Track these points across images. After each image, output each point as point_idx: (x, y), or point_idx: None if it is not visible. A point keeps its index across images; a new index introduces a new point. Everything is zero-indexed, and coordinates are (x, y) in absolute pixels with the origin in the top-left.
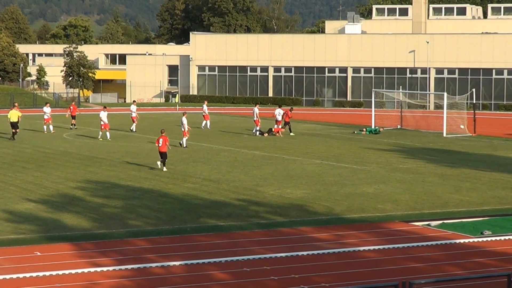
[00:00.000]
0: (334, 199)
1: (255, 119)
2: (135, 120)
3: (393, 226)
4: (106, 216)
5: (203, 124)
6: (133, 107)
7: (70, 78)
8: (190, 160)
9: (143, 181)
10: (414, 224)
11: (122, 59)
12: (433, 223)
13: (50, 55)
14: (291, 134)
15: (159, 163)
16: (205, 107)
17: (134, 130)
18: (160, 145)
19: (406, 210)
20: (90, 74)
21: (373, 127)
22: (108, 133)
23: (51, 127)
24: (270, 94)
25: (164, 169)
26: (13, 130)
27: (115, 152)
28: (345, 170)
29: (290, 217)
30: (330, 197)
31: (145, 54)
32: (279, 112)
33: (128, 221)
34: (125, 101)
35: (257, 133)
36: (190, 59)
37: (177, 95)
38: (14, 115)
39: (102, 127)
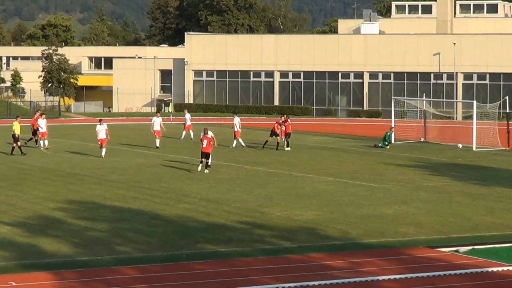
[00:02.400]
0: (349, 222)
1: (236, 130)
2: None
3: (416, 252)
4: (90, 241)
5: (182, 135)
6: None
7: (49, 85)
8: (186, 177)
9: (132, 201)
10: (440, 250)
11: (108, 63)
12: (462, 249)
13: (27, 58)
14: (287, 149)
15: (200, 166)
16: (187, 116)
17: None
18: (204, 145)
19: (431, 234)
20: (71, 80)
21: (393, 140)
22: (104, 150)
23: (46, 142)
24: (276, 102)
25: (206, 171)
26: (14, 145)
27: (100, 168)
28: (361, 189)
29: (299, 242)
30: (344, 220)
31: (134, 57)
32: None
33: (116, 246)
34: (110, 111)
35: (238, 144)
36: (185, 63)
37: (170, 103)
38: (18, 127)
39: (99, 142)
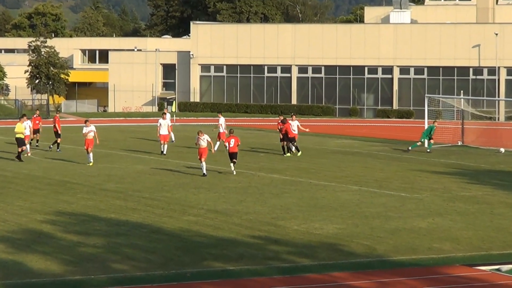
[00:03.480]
0: (376, 236)
1: (221, 131)
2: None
3: (452, 271)
4: (83, 258)
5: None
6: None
7: (37, 81)
8: (191, 185)
9: (131, 212)
10: (480, 269)
11: (104, 56)
12: (504, 267)
13: (11, 51)
14: (287, 154)
15: (233, 167)
16: (168, 116)
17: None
18: (231, 145)
19: (470, 251)
20: (62, 76)
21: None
22: (91, 155)
23: (28, 146)
24: (294, 101)
25: (234, 172)
26: (20, 149)
27: (94, 176)
28: (390, 199)
29: (319, 260)
30: (371, 234)
31: (133, 50)
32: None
33: (111, 264)
34: (105, 110)
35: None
36: (191, 56)
37: (174, 102)
38: (22, 129)
39: (85, 147)
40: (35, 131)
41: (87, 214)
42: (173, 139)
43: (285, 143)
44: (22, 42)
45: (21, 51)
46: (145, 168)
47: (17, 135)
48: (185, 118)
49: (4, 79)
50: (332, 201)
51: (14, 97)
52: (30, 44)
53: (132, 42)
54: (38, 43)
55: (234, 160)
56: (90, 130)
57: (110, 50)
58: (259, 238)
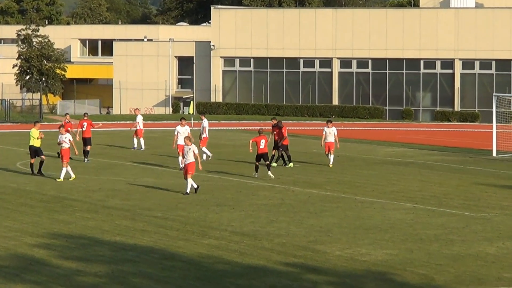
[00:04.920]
0: (435, 264)
1: (204, 136)
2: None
3: None
4: None
5: (135, 144)
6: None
7: (27, 77)
8: (212, 202)
9: (139, 235)
10: None
11: (107, 47)
12: None
13: None
14: (290, 165)
15: (255, 173)
16: (139, 118)
17: (143, 148)
18: (262, 146)
19: None
20: (57, 71)
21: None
22: (65, 170)
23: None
24: (335, 101)
25: (271, 175)
26: (32, 160)
27: (95, 191)
28: (451, 219)
29: None
30: (427, 261)
31: (143, 40)
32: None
33: None
34: (109, 112)
35: (206, 157)
36: (212, 47)
37: (191, 103)
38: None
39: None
40: (84, 141)
41: (87, 236)
42: (142, 146)
43: (276, 151)
44: (9, 31)
45: (8, 41)
46: (156, 182)
47: (33, 143)
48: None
49: None
50: (381, 222)
51: (0, 97)
52: (19, 32)
53: (141, 30)
54: (29, 31)
55: (268, 162)
56: (65, 139)
57: (115, 40)
58: (293, 265)
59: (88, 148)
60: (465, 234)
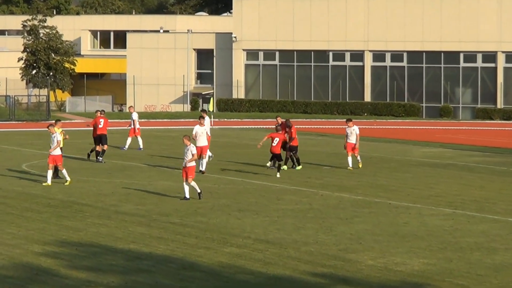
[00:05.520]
0: (476, 275)
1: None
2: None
3: None
4: None
5: (127, 143)
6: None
7: (34, 72)
8: (234, 207)
9: (155, 242)
10: None
11: (120, 39)
12: None
13: (1, 33)
14: (298, 168)
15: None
16: (135, 116)
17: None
18: (274, 144)
19: None
20: (67, 65)
21: None
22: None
23: None
24: (367, 97)
25: (278, 175)
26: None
27: (108, 195)
28: (493, 226)
29: None
30: (468, 271)
31: (159, 32)
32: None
33: None
34: (122, 110)
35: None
36: (234, 39)
37: (211, 99)
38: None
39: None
40: (100, 139)
41: (98, 244)
42: (141, 146)
43: (288, 153)
44: (14, 21)
45: (13, 33)
46: (173, 185)
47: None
48: (225, 119)
49: None
50: (417, 228)
51: (4, 93)
52: (25, 23)
53: (157, 21)
54: (36, 22)
55: (280, 163)
56: (54, 138)
57: (128, 31)
58: (322, 276)
59: (105, 147)
60: (508, 242)
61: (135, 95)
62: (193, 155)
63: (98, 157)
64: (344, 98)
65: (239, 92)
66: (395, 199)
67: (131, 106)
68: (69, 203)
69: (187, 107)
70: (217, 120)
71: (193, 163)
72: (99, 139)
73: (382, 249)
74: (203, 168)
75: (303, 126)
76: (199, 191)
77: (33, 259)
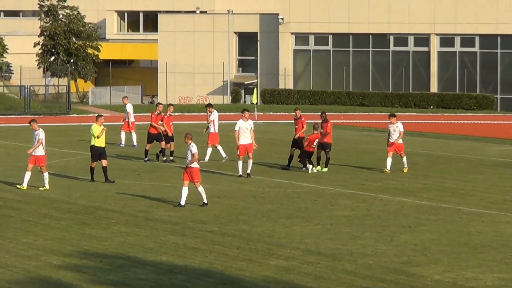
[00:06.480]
0: None
1: (212, 131)
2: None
3: None
4: None
5: (122, 140)
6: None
7: (53, 58)
8: (281, 213)
9: (190, 254)
10: None
11: (151, 21)
12: None
13: (14, 14)
14: (316, 169)
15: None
16: (129, 107)
17: (135, 144)
18: (314, 145)
19: None
20: (90, 51)
21: None
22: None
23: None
24: (434, 88)
25: (310, 170)
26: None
27: (136, 199)
28: None
29: None
30: None
31: (195, 12)
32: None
33: None
34: (153, 102)
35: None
36: (281, 21)
37: (255, 90)
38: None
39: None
40: (168, 138)
41: (126, 256)
42: (135, 142)
43: (320, 151)
44: (30, 1)
45: (28, 14)
46: (212, 189)
47: (95, 143)
48: (270, 113)
49: (4, 55)
50: (491, 238)
51: (19, 83)
52: (42, 3)
53: (192, 0)
54: (54, 2)
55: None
56: (36, 136)
57: (160, 12)
58: None
59: (173, 146)
60: None
61: (168, 85)
62: (193, 155)
63: (164, 157)
64: (407, 88)
65: (286, 82)
66: (465, 204)
67: (125, 97)
68: (92, 209)
69: (227, 99)
70: (261, 113)
71: (196, 164)
72: (165, 137)
73: (451, 261)
74: (248, 170)
75: (360, 121)
76: (205, 201)
77: (51, 273)
